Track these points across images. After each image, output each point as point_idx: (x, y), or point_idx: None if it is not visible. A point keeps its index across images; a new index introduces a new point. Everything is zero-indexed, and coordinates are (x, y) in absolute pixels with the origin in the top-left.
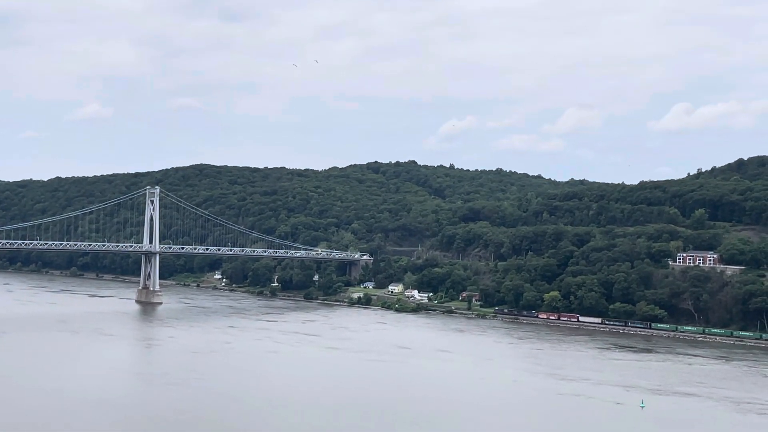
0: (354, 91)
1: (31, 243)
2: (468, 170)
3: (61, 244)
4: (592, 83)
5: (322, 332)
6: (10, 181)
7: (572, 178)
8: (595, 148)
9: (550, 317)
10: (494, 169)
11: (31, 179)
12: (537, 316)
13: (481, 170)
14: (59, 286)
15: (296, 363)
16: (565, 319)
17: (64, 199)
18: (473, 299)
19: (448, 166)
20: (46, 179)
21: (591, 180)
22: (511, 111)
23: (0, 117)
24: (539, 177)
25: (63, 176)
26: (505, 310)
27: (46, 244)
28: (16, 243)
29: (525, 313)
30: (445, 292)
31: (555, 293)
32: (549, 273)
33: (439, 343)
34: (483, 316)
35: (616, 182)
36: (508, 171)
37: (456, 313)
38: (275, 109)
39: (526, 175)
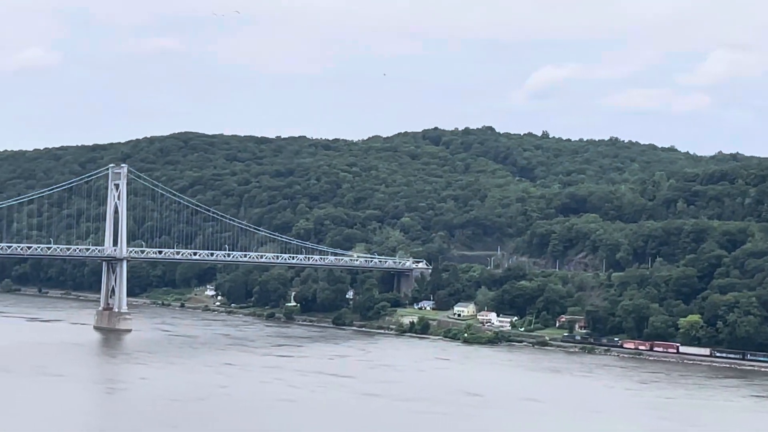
0: (406, 28)
1: None
2: (569, 140)
3: None
4: (749, 15)
5: (357, 372)
6: None
7: (720, 152)
8: (753, 108)
9: (640, 347)
10: (606, 138)
11: None
12: (621, 346)
13: (587, 140)
14: None
15: (318, 416)
16: (659, 350)
17: None
18: (576, 326)
19: (539, 134)
20: None
21: (747, 154)
22: (630, 54)
23: None
24: (672, 150)
25: None
26: (577, 337)
27: None
28: None
29: (605, 341)
30: (535, 315)
31: (695, 317)
32: (686, 288)
33: (525, 388)
34: (590, 351)
35: None
36: (626, 141)
37: (551, 345)
38: (292, 53)
39: (652, 147)
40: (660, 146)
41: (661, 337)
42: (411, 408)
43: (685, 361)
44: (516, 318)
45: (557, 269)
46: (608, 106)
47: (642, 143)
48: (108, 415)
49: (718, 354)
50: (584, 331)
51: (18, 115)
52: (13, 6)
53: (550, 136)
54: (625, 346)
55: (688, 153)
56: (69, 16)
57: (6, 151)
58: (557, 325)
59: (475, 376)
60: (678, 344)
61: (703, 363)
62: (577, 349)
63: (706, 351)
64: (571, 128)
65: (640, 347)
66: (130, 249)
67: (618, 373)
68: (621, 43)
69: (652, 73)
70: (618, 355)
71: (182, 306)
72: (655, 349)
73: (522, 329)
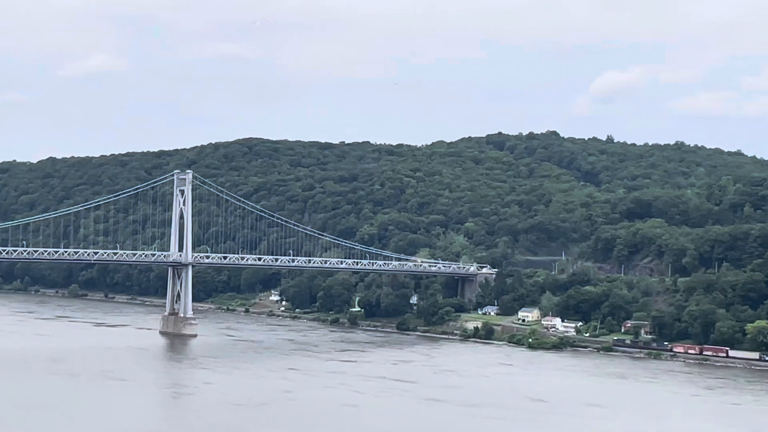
0: (469, 32)
1: (14, 251)
2: (634, 145)
3: (55, 253)
4: None
5: (420, 377)
6: None
7: None
8: None
9: (690, 351)
10: (672, 142)
11: (14, 161)
12: (671, 350)
13: (652, 144)
14: (53, 310)
15: (381, 421)
16: (709, 353)
17: (60, 189)
18: (642, 331)
19: (604, 138)
20: (34, 161)
21: None
22: (696, 57)
23: None
24: (738, 154)
25: (58, 157)
26: (627, 341)
27: (35, 252)
28: None
29: (655, 345)
30: (600, 320)
31: (762, 323)
32: (754, 293)
33: (590, 393)
34: (656, 356)
35: None
36: (692, 146)
37: (616, 351)
38: (355, 58)
39: (718, 151)
40: (726, 150)
41: (727, 342)
42: (475, 413)
43: (744, 366)
44: (581, 323)
45: (622, 274)
46: (674, 110)
47: (708, 147)
48: (173, 419)
49: (766, 358)
50: (650, 335)
51: (85, 122)
52: (79, 13)
53: (615, 141)
54: (675, 350)
55: (754, 157)
56: (135, 22)
57: (73, 157)
58: (622, 330)
59: (539, 382)
60: (727, 348)
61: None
62: (642, 355)
63: (755, 355)
64: (636, 132)
65: (690, 351)
66: (196, 254)
67: (683, 379)
68: (686, 47)
69: (718, 77)
70: (684, 361)
71: (247, 311)
72: (705, 353)
73: (587, 335)
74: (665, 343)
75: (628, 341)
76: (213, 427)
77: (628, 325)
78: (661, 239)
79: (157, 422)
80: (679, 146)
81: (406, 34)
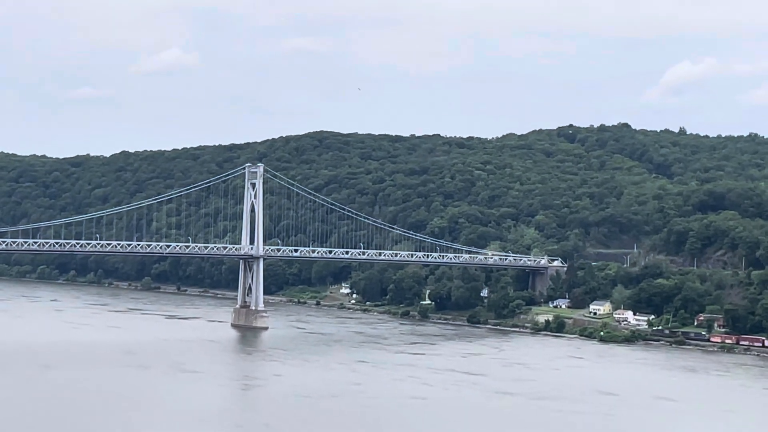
0: (540, 26)
1: (87, 244)
2: (706, 137)
3: (128, 246)
4: None
5: (489, 370)
6: (60, 157)
7: None
8: None
9: (726, 340)
10: (746, 134)
11: (87, 155)
12: (708, 340)
13: (726, 136)
14: (126, 303)
15: (450, 414)
16: (745, 343)
17: (132, 183)
18: (715, 324)
19: (676, 130)
20: (107, 155)
21: None
22: None
23: (47, 70)
24: None
25: (131, 150)
26: (666, 331)
27: (108, 245)
28: (67, 244)
29: (693, 335)
30: (673, 313)
31: None
32: None
33: (660, 387)
34: (729, 349)
35: None
36: (765, 137)
37: (689, 344)
38: (425, 52)
39: None
40: None
41: None
42: (544, 406)
43: None
44: (653, 316)
45: (695, 267)
46: (747, 101)
47: None
48: (242, 411)
49: None
50: (723, 329)
51: (157, 116)
52: (153, 7)
53: (687, 133)
54: (712, 339)
55: None
56: (206, 16)
57: (146, 151)
58: (696, 323)
59: (610, 375)
60: (764, 338)
61: None
62: (715, 349)
63: None
64: (708, 124)
65: (727, 341)
66: (267, 247)
67: (756, 373)
68: (760, 38)
69: None
70: (758, 354)
71: (318, 304)
72: (741, 342)
73: (659, 328)
74: (702, 333)
75: (667, 331)
76: (281, 419)
77: (701, 318)
78: (734, 232)
79: (226, 414)
80: (753, 138)
81: (476, 28)
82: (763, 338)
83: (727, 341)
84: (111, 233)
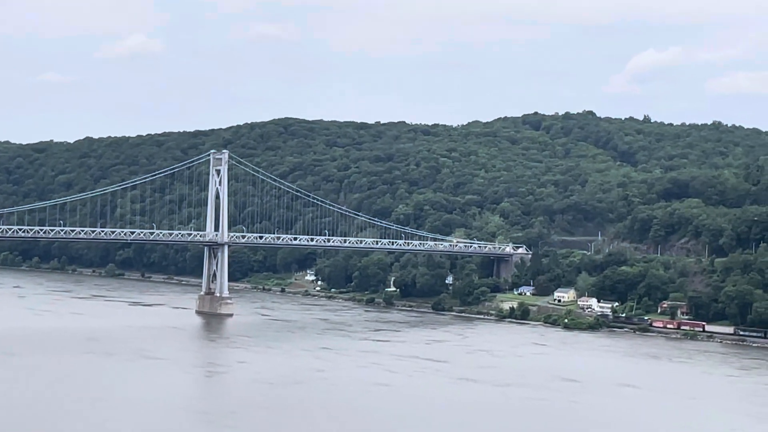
0: (505, 14)
1: (51, 230)
2: (671, 125)
3: (92, 232)
4: None
5: (453, 357)
6: (23, 143)
7: None
8: None
9: (668, 326)
10: (710, 122)
11: (51, 141)
12: (650, 324)
13: (690, 124)
14: (89, 289)
15: (413, 401)
16: (687, 328)
17: (97, 169)
18: (678, 311)
19: (640, 118)
20: (71, 141)
21: None
22: (734, 37)
23: (10, 55)
24: None
25: (95, 137)
26: (610, 316)
27: (71, 231)
28: (30, 230)
29: (636, 320)
30: (637, 301)
31: None
32: None
33: (623, 373)
34: (693, 336)
35: None
36: (729, 125)
37: (652, 331)
38: (390, 39)
39: (756, 131)
40: (764, 130)
41: (765, 323)
42: (507, 393)
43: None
44: (617, 304)
45: (659, 255)
46: (711, 89)
47: (746, 127)
48: (206, 398)
49: (741, 332)
50: (686, 316)
51: (121, 102)
52: None
53: (652, 121)
54: (654, 324)
55: None
56: (172, 2)
57: (110, 137)
58: (659, 311)
59: (573, 362)
60: (704, 323)
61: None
62: (678, 335)
63: (730, 329)
64: (673, 112)
65: (669, 326)
66: (232, 234)
67: (718, 360)
68: (724, 26)
69: (757, 56)
70: (720, 342)
71: (283, 291)
72: (683, 327)
73: (623, 315)
74: (645, 318)
75: (611, 316)
76: (246, 406)
77: (665, 305)
78: (698, 219)
79: (189, 400)
80: (717, 126)
81: (442, 15)
82: (704, 323)
83: (669, 326)
84: (75, 220)
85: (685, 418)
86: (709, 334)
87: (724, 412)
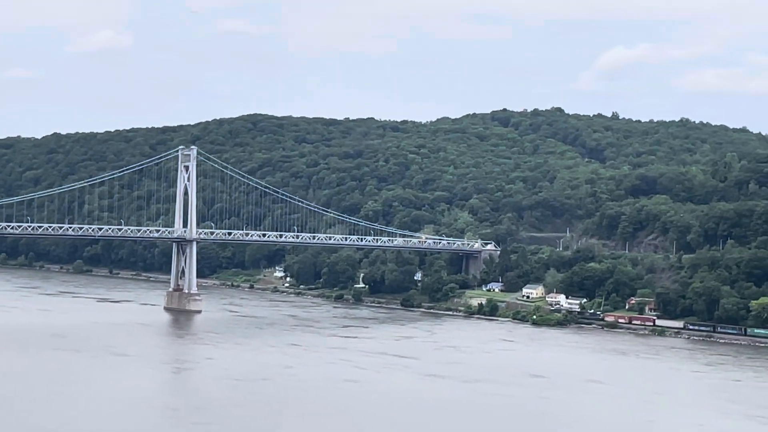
0: (474, 10)
1: (18, 226)
2: (639, 121)
3: (60, 228)
4: None
5: (422, 354)
6: None
7: None
8: None
9: (620, 320)
10: (677, 119)
11: (18, 137)
12: (602, 319)
13: (658, 121)
14: (57, 286)
15: (381, 397)
16: (637, 323)
17: (65, 165)
18: (647, 308)
19: (609, 115)
20: (39, 137)
21: None
22: (702, 34)
23: None
24: (744, 131)
25: (62, 132)
26: (562, 310)
27: (39, 227)
28: None
29: (589, 314)
30: (605, 297)
31: (767, 300)
32: (758, 270)
33: (590, 369)
34: (661, 333)
35: None
36: (697, 122)
37: (620, 327)
38: (359, 35)
39: (724, 128)
40: (732, 127)
41: (732, 319)
42: (474, 389)
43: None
44: (585, 300)
45: (627, 251)
46: (679, 86)
47: (713, 124)
48: (174, 394)
49: (691, 327)
50: (654, 312)
51: (89, 98)
52: None
53: (620, 117)
54: (606, 319)
55: (760, 134)
56: None
57: (77, 133)
58: (627, 307)
59: (540, 358)
60: (654, 317)
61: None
62: (647, 332)
63: (680, 324)
64: (641, 109)
65: (620, 320)
66: (200, 230)
67: (685, 356)
68: (693, 23)
69: (725, 53)
70: (688, 338)
71: (251, 287)
72: (634, 321)
73: (591, 311)
74: (598, 312)
75: (562, 310)
76: (214, 402)
77: (633, 301)
78: (665, 216)
79: (156, 396)
80: (685, 123)
81: (412, 11)
82: (654, 318)
83: (620, 320)
84: (42, 216)
85: (651, 413)
86: (660, 328)
87: (691, 407)
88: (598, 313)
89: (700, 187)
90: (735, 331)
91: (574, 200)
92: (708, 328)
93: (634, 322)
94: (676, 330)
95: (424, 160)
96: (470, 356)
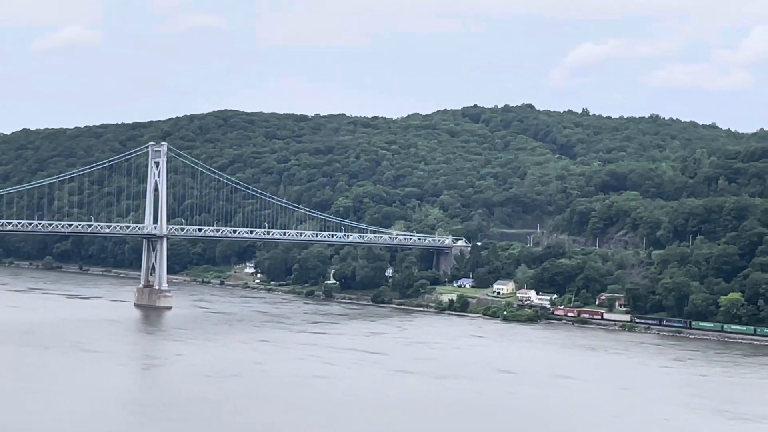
0: (445, 6)
1: None
2: (609, 118)
3: (29, 225)
4: None
5: (391, 349)
6: None
7: (761, 129)
8: None
9: (569, 314)
10: (647, 115)
11: None
12: (552, 313)
13: (627, 117)
14: (26, 282)
15: (350, 392)
16: (586, 316)
17: (34, 161)
18: (616, 303)
19: (579, 111)
20: (8, 132)
21: None
22: (671, 30)
23: None
24: (713, 127)
25: (32, 128)
26: (516, 306)
27: (8, 224)
28: None
29: (550, 309)
30: (575, 293)
31: (736, 295)
32: (727, 266)
33: (558, 365)
34: (631, 328)
35: None
36: (666, 118)
37: (591, 323)
38: (330, 31)
39: (693, 124)
40: (701, 123)
41: (701, 315)
42: (445, 385)
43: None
44: (555, 296)
45: (597, 247)
46: (648, 83)
47: (683, 120)
48: (144, 390)
49: (638, 321)
50: (624, 308)
51: (59, 93)
52: None
53: (590, 114)
54: (556, 313)
55: (729, 130)
56: None
57: (47, 129)
58: (597, 302)
59: (510, 354)
60: (603, 311)
61: (744, 341)
62: (616, 327)
63: (627, 317)
64: (611, 105)
65: (569, 314)
66: (170, 227)
67: (654, 351)
68: (662, 20)
69: (694, 50)
70: (658, 333)
71: (222, 283)
72: (582, 315)
73: (562, 307)
74: (549, 309)
75: (516, 306)
76: (183, 399)
77: (603, 297)
78: (635, 212)
79: (126, 392)
80: (654, 119)
81: (383, 7)
82: (602, 311)
83: (570, 314)
84: (12, 212)
85: (619, 408)
86: (607, 321)
87: (659, 402)
88: (548, 307)
89: (670, 183)
90: (681, 324)
91: (545, 196)
92: (654, 321)
93: (583, 315)
94: (622, 322)
95: (395, 156)
96: (440, 352)
